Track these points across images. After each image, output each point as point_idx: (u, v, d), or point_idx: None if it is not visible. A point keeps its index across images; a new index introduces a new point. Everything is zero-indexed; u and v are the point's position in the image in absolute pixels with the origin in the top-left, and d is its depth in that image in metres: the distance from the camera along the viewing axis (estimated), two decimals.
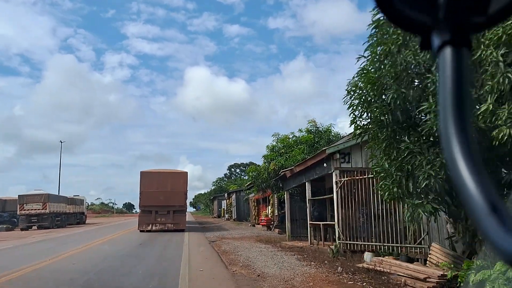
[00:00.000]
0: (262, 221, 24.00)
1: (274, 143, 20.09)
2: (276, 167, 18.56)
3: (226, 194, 47.12)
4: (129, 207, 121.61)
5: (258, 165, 20.60)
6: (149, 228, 23.49)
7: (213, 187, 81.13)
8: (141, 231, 23.38)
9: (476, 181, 0.42)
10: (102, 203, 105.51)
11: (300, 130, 19.72)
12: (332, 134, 18.97)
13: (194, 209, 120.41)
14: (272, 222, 24.31)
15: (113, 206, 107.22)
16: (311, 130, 19.15)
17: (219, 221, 44.67)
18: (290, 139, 19.82)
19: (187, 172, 25.51)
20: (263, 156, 20.02)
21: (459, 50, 0.49)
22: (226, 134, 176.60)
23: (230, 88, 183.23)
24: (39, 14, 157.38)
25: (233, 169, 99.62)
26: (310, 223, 13.82)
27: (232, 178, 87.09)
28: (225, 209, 47.05)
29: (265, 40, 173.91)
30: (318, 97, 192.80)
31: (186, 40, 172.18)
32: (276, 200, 23.15)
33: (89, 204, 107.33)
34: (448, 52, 0.49)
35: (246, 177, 48.44)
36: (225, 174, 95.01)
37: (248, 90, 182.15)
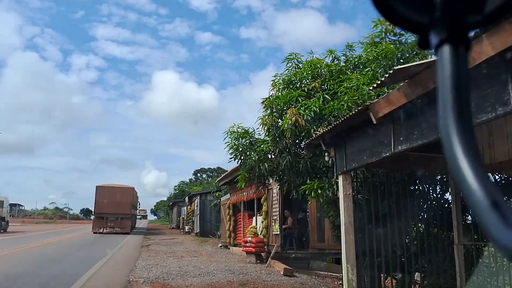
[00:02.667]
0: (248, 244, 12.52)
1: (290, 74, 8.81)
2: (301, 120, 7.29)
3: (186, 198, 35.05)
4: (86, 212, 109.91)
5: (247, 129, 9.06)
6: (101, 230, 28.66)
7: (174, 192, 68.37)
8: (94, 232, 28.62)
9: (477, 178, 0.43)
10: (56, 207, 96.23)
11: (350, 46, 8.57)
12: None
13: (155, 217, 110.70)
14: (266, 246, 12.92)
15: (68, 211, 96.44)
16: (380, 41, 8.15)
17: (176, 234, 32.48)
18: (331, 63, 8.58)
19: (133, 187, 33.25)
20: (263, 101, 8.69)
21: (457, 48, 0.49)
22: (193, 140, 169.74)
23: (199, 95, 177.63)
24: (5, 11, 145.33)
25: (199, 174, 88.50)
26: None
27: (198, 182, 74.89)
28: (185, 218, 34.93)
29: (236, 49, 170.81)
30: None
31: (157, 45, 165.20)
32: (278, 204, 11.92)
33: (14, 207, 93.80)
34: (446, 50, 0.49)
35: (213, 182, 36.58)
36: (190, 180, 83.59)
37: (217, 98, 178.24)
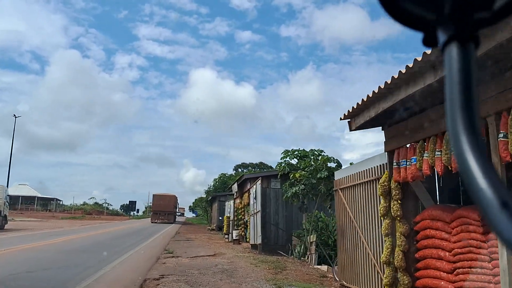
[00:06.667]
0: None
1: None
2: None
3: (235, 186, 22.55)
4: (126, 208, 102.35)
5: None
6: (156, 221, 46.92)
7: (213, 184, 56.66)
8: (152, 222, 46.36)
9: (486, 177, 0.42)
10: (95, 203, 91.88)
11: None
12: None
13: (193, 214, 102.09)
14: None
15: (107, 206, 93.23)
16: None
17: (217, 243, 19.83)
18: None
19: (175, 195, 55.58)
20: None
21: (466, 46, 0.48)
22: (231, 140, 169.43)
23: (238, 94, 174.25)
24: (52, 12, 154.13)
25: (240, 169, 78.49)
26: None
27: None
28: (232, 218, 22.55)
29: (276, 48, 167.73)
30: (326, 106, 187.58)
31: (197, 44, 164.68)
32: None
33: (52, 201, 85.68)
34: (454, 48, 0.48)
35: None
36: (231, 175, 73.54)
37: (256, 97, 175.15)
